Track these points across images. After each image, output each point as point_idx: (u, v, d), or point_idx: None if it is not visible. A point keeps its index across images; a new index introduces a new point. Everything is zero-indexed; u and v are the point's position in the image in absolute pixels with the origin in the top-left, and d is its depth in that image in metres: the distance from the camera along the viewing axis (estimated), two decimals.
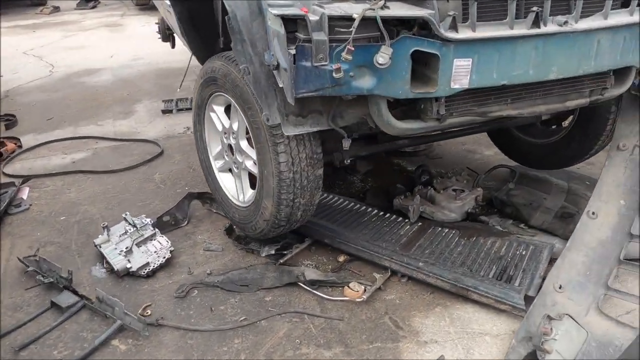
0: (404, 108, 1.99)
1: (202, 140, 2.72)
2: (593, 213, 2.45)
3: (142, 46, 7.49)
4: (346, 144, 2.00)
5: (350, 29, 1.51)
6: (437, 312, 2.27)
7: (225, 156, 2.60)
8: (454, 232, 2.68)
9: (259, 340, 2.14)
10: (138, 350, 2.11)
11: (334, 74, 1.57)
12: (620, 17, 1.84)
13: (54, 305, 2.34)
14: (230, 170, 2.64)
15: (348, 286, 2.37)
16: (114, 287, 2.48)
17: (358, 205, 2.97)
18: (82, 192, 3.40)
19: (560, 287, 2.21)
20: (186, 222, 2.99)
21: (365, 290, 2.34)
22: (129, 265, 2.51)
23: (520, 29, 1.69)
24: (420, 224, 2.78)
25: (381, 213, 2.89)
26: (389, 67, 1.60)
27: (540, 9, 1.70)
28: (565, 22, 1.72)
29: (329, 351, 2.08)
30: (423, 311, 2.28)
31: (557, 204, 2.96)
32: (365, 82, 1.65)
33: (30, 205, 3.25)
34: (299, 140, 2.08)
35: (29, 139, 4.27)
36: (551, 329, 1.97)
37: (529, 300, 2.20)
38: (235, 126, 2.38)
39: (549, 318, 2.03)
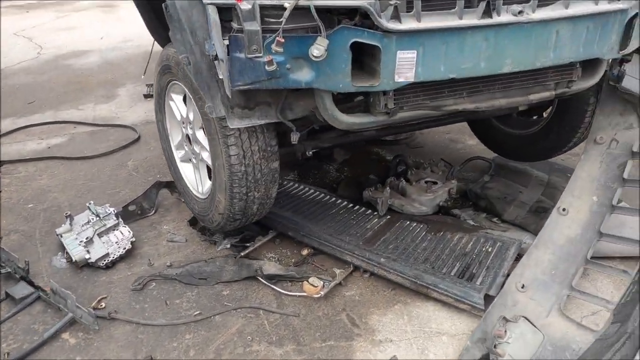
0: (359, 101, 1.91)
1: (164, 129, 2.66)
2: (564, 209, 2.37)
3: (133, 28, 7.35)
4: (294, 137, 1.92)
5: (280, 20, 1.42)
6: (396, 309, 2.22)
7: (185, 146, 2.53)
8: (421, 226, 2.60)
9: (211, 336, 2.10)
10: (87, 344, 2.08)
11: (266, 67, 1.48)
12: (584, 7, 1.72)
13: (8, 296, 2.31)
14: (191, 160, 2.58)
15: (307, 281, 2.31)
16: (71, 278, 2.44)
17: (328, 197, 2.91)
18: (53, 179, 3.36)
19: (523, 287, 2.14)
20: (153, 211, 2.94)
21: (324, 285, 2.28)
22: (87, 256, 2.47)
23: (470, 19, 1.58)
24: (388, 217, 2.71)
25: (350, 205, 2.82)
26: (327, 60, 1.51)
27: None
28: (521, 12, 1.61)
29: (280, 349, 2.03)
30: (382, 308, 2.22)
31: (532, 198, 2.87)
32: (303, 75, 1.56)
33: (0, 191, 3.21)
34: (251, 132, 2.00)
35: (7, 123, 4.22)
36: (505, 331, 1.90)
37: (491, 299, 2.14)
38: (191, 116, 2.31)
39: (505, 320, 1.96)
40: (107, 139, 3.93)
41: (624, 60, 2.39)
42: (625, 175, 2.36)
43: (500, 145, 3.20)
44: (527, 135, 2.99)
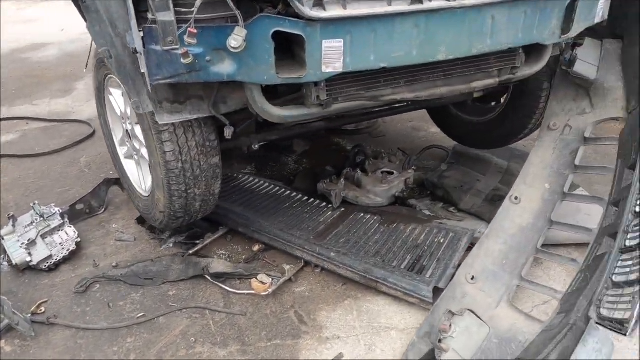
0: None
1: (107, 124, 2.56)
2: (516, 198, 2.33)
3: None
4: (228, 132, 1.84)
5: (192, 9, 1.34)
6: (346, 305, 2.17)
7: (127, 142, 2.43)
8: (375, 218, 2.55)
9: (153, 338, 2.03)
10: (23, 351, 2.00)
11: (182, 60, 1.40)
12: None
13: None
14: (133, 157, 2.48)
15: (256, 278, 2.25)
16: (12, 282, 2.35)
17: (283, 190, 2.84)
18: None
19: (472, 278, 2.10)
20: (103, 209, 2.84)
21: (272, 283, 2.22)
22: (28, 259, 2.38)
23: (400, 5, 1.51)
24: (342, 209, 2.65)
25: (305, 198, 2.76)
26: (249, 51, 1.43)
27: None
28: None
29: (224, 350, 1.97)
30: (331, 304, 2.17)
31: (490, 186, 2.84)
32: (224, 68, 1.48)
33: None
34: (187, 127, 1.92)
35: None
36: (450, 325, 1.86)
37: (441, 292, 2.09)
38: (129, 111, 2.21)
39: (451, 313, 1.93)
40: (60, 134, 3.81)
41: (576, 44, 2.35)
42: (577, 162, 2.33)
43: (458, 132, 3.16)
44: (484, 123, 2.94)
